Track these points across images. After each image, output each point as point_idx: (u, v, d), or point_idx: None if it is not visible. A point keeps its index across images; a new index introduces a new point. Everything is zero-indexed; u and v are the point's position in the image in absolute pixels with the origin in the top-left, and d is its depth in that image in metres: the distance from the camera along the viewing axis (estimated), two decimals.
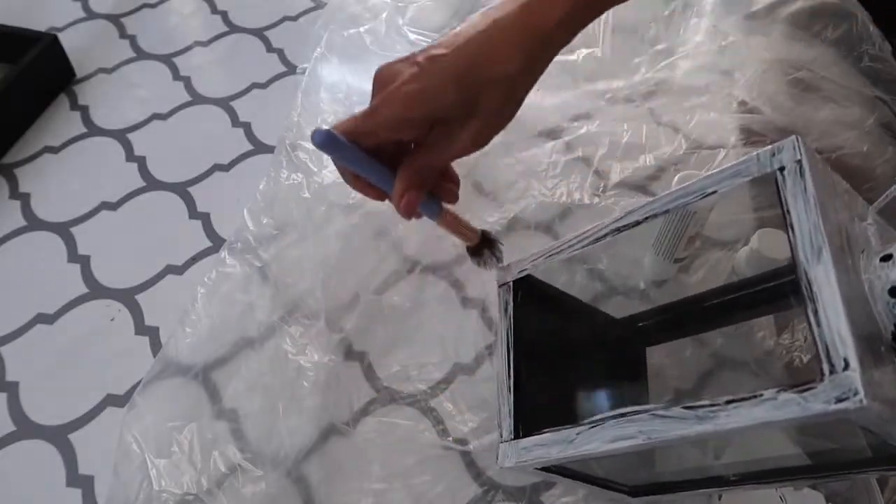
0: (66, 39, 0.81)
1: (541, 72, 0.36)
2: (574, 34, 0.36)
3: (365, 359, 0.61)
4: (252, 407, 0.57)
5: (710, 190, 0.39)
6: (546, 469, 0.47)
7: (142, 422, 0.55)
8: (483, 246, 0.47)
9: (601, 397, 0.55)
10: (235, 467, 0.54)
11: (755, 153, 0.37)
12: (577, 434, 0.41)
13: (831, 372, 0.29)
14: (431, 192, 0.41)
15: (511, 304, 0.52)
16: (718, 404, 0.33)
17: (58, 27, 0.87)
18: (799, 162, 0.34)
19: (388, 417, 0.58)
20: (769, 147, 0.36)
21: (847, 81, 0.79)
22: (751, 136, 0.76)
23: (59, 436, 0.56)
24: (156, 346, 0.62)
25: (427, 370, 0.61)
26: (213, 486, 0.53)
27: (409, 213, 0.37)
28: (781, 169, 0.35)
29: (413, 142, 0.38)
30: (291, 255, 0.66)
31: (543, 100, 0.80)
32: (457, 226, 0.45)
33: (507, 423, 0.48)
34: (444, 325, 0.63)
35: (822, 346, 0.30)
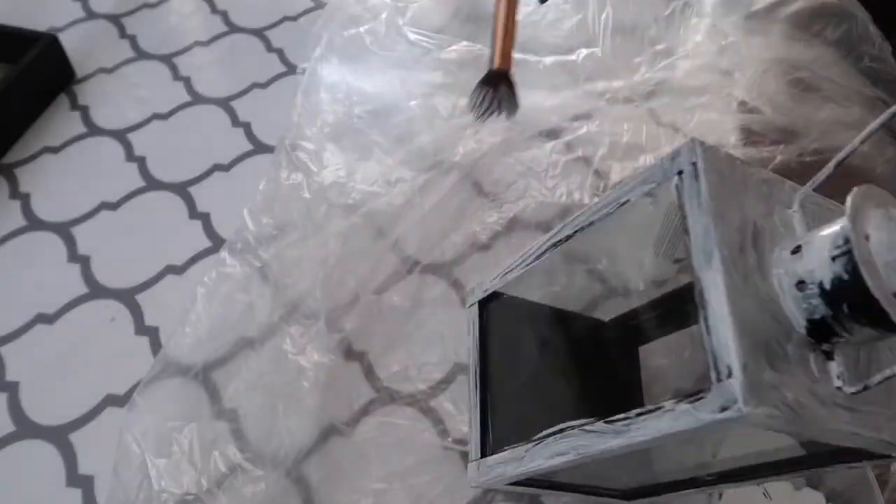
0: (66, 39, 0.81)
1: None
2: None
3: (365, 359, 0.61)
4: (252, 407, 0.57)
5: (623, 199, 0.39)
6: (522, 483, 0.47)
7: (142, 422, 0.55)
8: (503, 81, 0.42)
9: (582, 408, 0.55)
10: (235, 467, 0.54)
11: (661, 158, 0.36)
12: (526, 451, 0.42)
13: (718, 380, 0.29)
14: None
15: (477, 324, 0.53)
16: (630, 417, 0.34)
17: (58, 27, 0.87)
18: (694, 164, 0.34)
19: (387, 417, 0.58)
20: (671, 150, 0.35)
21: (847, 81, 0.79)
22: (751, 136, 0.76)
23: (59, 436, 0.56)
24: (156, 346, 0.62)
25: (427, 370, 0.61)
26: (213, 486, 0.53)
27: None
28: (680, 173, 0.34)
29: None
30: (291, 255, 0.66)
31: (543, 100, 0.80)
32: (508, 25, 0.40)
33: (475, 443, 0.49)
34: (444, 325, 0.63)
35: (710, 354, 0.29)
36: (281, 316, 0.62)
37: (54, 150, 0.75)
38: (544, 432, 0.40)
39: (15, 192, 0.71)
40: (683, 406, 0.30)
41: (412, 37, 0.85)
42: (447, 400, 0.59)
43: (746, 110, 0.78)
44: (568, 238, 0.44)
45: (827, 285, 0.30)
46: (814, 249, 0.31)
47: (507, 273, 0.51)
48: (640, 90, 0.82)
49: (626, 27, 0.88)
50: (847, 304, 0.29)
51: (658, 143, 0.77)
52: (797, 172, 0.72)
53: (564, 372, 0.55)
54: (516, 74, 0.84)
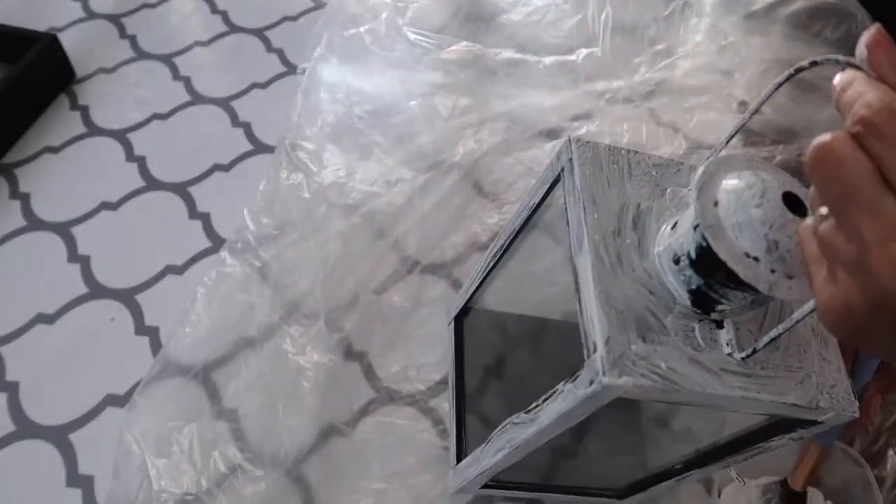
0: (66, 39, 0.81)
1: None
2: None
3: (364, 359, 0.61)
4: (252, 407, 0.57)
5: (531, 202, 0.41)
6: (503, 487, 0.49)
7: (142, 422, 0.55)
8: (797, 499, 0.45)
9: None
10: (235, 467, 0.54)
11: (550, 159, 0.38)
12: (481, 452, 0.43)
13: (588, 357, 0.30)
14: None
15: (453, 340, 0.55)
16: (539, 404, 0.35)
17: (58, 27, 0.87)
18: (570, 160, 0.35)
19: (387, 417, 0.58)
20: (557, 150, 0.37)
21: None
22: (751, 136, 0.77)
23: (59, 436, 0.56)
24: (156, 346, 0.62)
25: (426, 370, 0.61)
26: (212, 486, 0.53)
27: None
28: (563, 170, 0.36)
29: None
30: (291, 255, 0.66)
31: (543, 100, 0.80)
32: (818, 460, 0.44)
33: (453, 452, 0.51)
34: (443, 326, 0.63)
35: (582, 333, 0.31)
36: (281, 316, 0.62)
37: (54, 150, 0.75)
38: (497, 429, 0.41)
39: (15, 192, 0.71)
40: (569, 386, 0.32)
41: (412, 37, 0.85)
42: (446, 400, 0.59)
43: (746, 110, 0.78)
44: (505, 247, 0.45)
45: (693, 255, 0.31)
46: (684, 223, 0.32)
47: (468, 288, 0.53)
48: (640, 90, 0.82)
49: (626, 27, 0.88)
50: (710, 269, 0.30)
51: (658, 142, 0.77)
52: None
53: (530, 375, 0.56)
54: (516, 75, 0.84)
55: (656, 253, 0.33)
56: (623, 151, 0.36)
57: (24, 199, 0.71)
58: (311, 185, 0.71)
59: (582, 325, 0.31)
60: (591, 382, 0.29)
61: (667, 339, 0.31)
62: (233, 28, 0.91)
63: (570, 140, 0.36)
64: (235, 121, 0.81)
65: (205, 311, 0.62)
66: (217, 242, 0.69)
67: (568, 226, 0.34)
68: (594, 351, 0.29)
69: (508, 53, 0.84)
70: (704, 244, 0.29)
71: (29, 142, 0.75)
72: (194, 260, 0.68)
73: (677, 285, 0.32)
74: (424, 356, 0.61)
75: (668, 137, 0.78)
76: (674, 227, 0.33)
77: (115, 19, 0.90)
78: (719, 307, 0.32)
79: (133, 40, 0.88)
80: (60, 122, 0.78)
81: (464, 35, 0.86)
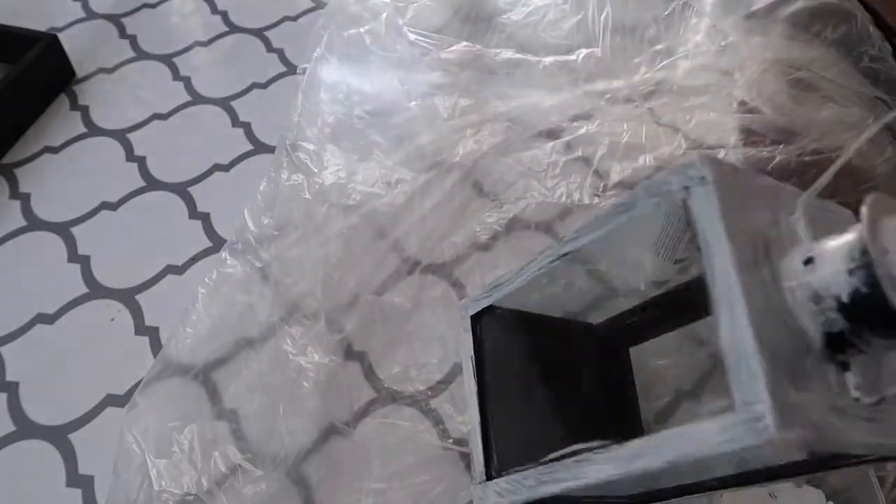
0: (66, 39, 0.81)
1: None
2: None
3: (365, 359, 0.61)
4: (252, 407, 0.57)
5: (627, 212, 0.38)
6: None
7: (142, 422, 0.55)
8: None
9: (580, 419, 0.53)
10: (235, 467, 0.54)
11: (664, 170, 0.36)
12: (539, 475, 0.41)
13: (745, 404, 0.28)
14: None
15: (472, 340, 0.51)
16: (644, 443, 0.33)
17: (58, 27, 0.87)
18: (703, 179, 0.33)
19: (388, 418, 0.58)
20: (680, 164, 0.35)
21: (847, 81, 0.79)
22: (750, 136, 0.77)
23: (59, 436, 0.56)
24: (156, 346, 0.62)
25: (427, 370, 0.61)
26: (213, 487, 0.53)
27: None
28: (687, 188, 0.34)
29: None
30: (292, 255, 0.66)
31: (543, 100, 0.80)
32: None
33: (479, 466, 0.48)
34: (444, 326, 0.63)
35: (732, 376, 0.29)
36: (281, 316, 0.62)
37: (54, 150, 0.75)
38: (556, 454, 0.39)
39: (15, 192, 0.71)
40: (707, 426, 0.29)
41: (412, 37, 0.85)
42: (447, 400, 0.59)
43: (746, 110, 0.78)
44: (571, 252, 0.43)
45: (845, 299, 0.29)
46: (828, 262, 0.30)
47: (498, 286, 0.50)
48: (640, 90, 0.82)
49: (625, 27, 0.88)
50: (868, 318, 0.29)
51: (658, 143, 0.77)
52: (797, 172, 0.72)
53: (561, 383, 0.54)
54: (516, 76, 0.84)
55: (787, 288, 0.31)
56: (742, 171, 0.34)
57: (24, 199, 0.71)
58: (311, 186, 0.71)
59: (734, 368, 0.29)
60: (754, 433, 0.27)
61: (809, 385, 0.29)
62: (233, 28, 0.91)
63: (702, 156, 0.33)
64: (235, 121, 0.81)
65: (205, 311, 0.62)
66: (217, 242, 0.69)
67: (700, 252, 0.32)
68: (756, 401, 0.27)
69: (508, 53, 0.84)
70: (865, 291, 0.28)
71: (29, 142, 0.75)
72: (194, 260, 0.68)
73: (812, 325, 0.30)
74: (425, 356, 0.61)
75: (668, 137, 0.78)
76: (806, 262, 0.31)
77: (115, 19, 0.90)
78: (852, 351, 0.30)
79: (133, 40, 0.88)
80: (60, 122, 0.78)
81: (464, 35, 0.86)
